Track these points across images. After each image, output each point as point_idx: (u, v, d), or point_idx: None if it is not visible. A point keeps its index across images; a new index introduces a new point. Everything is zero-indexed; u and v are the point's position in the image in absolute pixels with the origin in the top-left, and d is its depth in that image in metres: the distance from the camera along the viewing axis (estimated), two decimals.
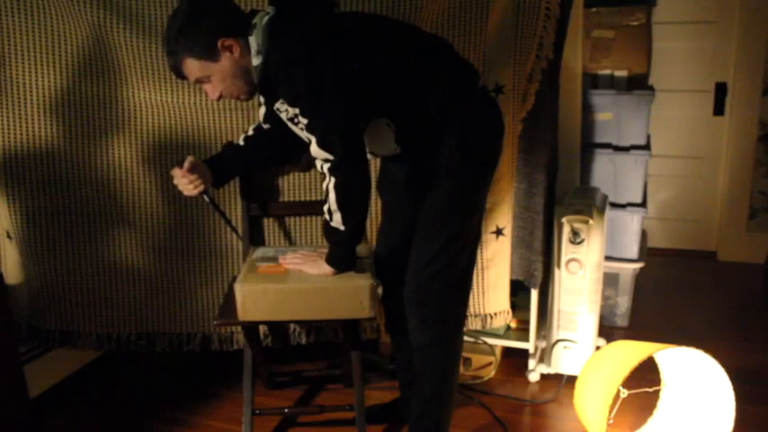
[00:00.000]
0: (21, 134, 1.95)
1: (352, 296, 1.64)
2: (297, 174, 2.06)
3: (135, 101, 1.97)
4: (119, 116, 1.99)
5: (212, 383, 2.36)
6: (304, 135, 1.55)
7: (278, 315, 1.69)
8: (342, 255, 1.66)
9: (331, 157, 1.51)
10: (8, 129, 1.94)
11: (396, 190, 1.83)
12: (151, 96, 1.96)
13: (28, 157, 1.97)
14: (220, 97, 1.61)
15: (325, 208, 1.59)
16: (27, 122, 1.95)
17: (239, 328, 2.11)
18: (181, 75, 1.58)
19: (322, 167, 1.55)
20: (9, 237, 2.05)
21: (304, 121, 1.50)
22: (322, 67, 1.46)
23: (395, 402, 2.12)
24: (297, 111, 1.51)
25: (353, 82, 1.51)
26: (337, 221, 1.58)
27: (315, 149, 1.52)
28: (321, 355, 2.49)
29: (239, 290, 1.64)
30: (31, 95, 1.93)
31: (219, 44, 1.52)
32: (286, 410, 2.00)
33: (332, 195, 1.54)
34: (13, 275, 2.10)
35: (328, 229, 1.61)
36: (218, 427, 2.12)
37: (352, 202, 1.56)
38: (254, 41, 1.53)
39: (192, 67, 1.55)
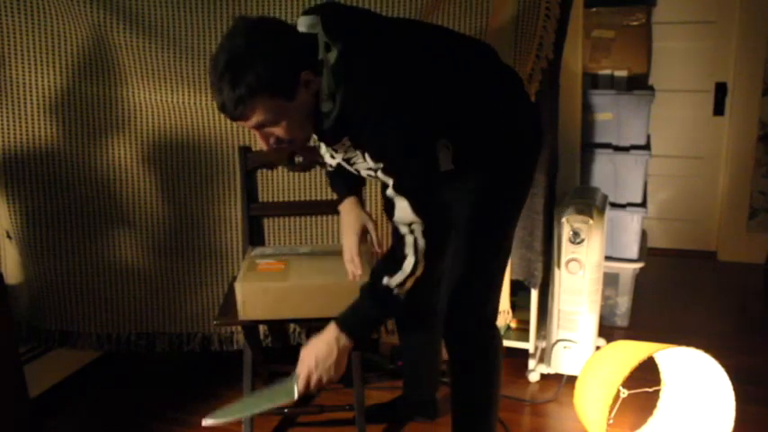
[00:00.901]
0: (21, 134, 1.95)
1: (354, 292, 1.63)
2: (297, 174, 2.06)
3: (135, 101, 1.97)
4: (119, 116, 1.99)
5: (212, 383, 2.35)
6: (372, 176, 1.43)
7: (279, 314, 1.68)
8: (367, 321, 1.42)
9: (420, 221, 1.33)
10: (8, 129, 1.94)
11: None
12: (151, 96, 1.96)
13: (28, 157, 1.97)
14: (270, 145, 1.35)
15: (400, 276, 1.35)
16: (27, 122, 1.95)
17: (239, 328, 2.11)
18: (236, 116, 1.28)
19: (412, 232, 1.35)
20: (9, 237, 2.05)
21: (389, 180, 1.34)
22: (415, 117, 1.30)
23: (394, 402, 2.12)
24: (381, 166, 1.34)
25: (432, 122, 1.36)
26: (404, 273, 1.35)
27: (405, 213, 1.34)
28: None
29: (239, 289, 1.64)
30: (31, 95, 1.93)
31: (302, 78, 1.27)
32: (286, 410, 2.00)
33: (420, 263, 1.34)
34: (13, 275, 2.10)
35: (382, 296, 1.37)
36: (219, 427, 2.11)
37: (437, 263, 1.41)
38: (324, 83, 1.30)
39: (263, 106, 1.26)
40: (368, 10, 1.51)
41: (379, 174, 1.37)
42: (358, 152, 1.42)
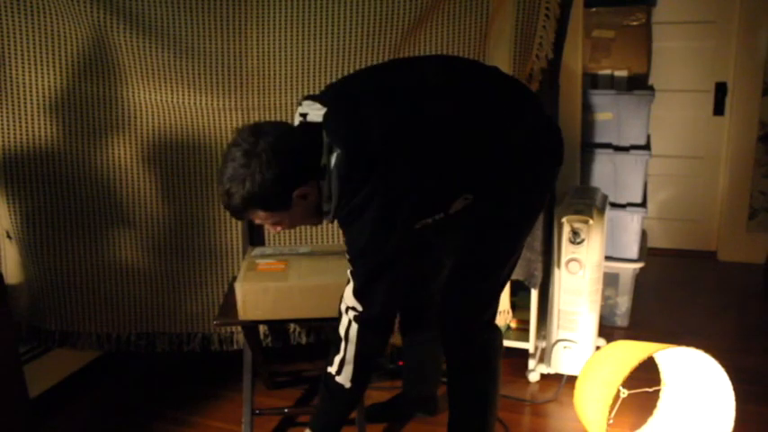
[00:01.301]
0: (21, 134, 1.95)
1: None
2: None
3: (135, 101, 1.97)
4: (119, 116, 1.99)
5: (212, 383, 2.35)
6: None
7: (278, 314, 1.68)
8: (330, 420, 1.54)
9: (359, 308, 1.41)
10: (8, 129, 1.94)
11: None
12: (151, 96, 1.96)
13: (28, 157, 1.97)
14: (280, 230, 1.48)
15: (337, 358, 1.45)
16: (27, 122, 1.95)
17: (239, 328, 2.11)
18: (240, 217, 1.43)
19: (347, 312, 1.43)
20: (9, 237, 2.05)
21: (349, 267, 1.42)
22: (389, 226, 1.34)
23: (394, 401, 2.12)
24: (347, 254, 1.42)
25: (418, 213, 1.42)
26: (345, 377, 1.45)
27: (348, 294, 1.42)
28: (321, 355, 2.48)
29: (239, 288, 1.64)
30: (31, 95, 1.94)
31: (295, 196, 1.36)
32: (286, 410, 2.00)
33: (351, 347, 1.43)
34: (13, 275, 2.10)
35: (330, 386, 1.48)
36: (218, 427, 2.12)
37: (371, 356, 1.46)
38: (325, 187, 1.37)
39: (259, 215, 1.39)
40: (369, 79, 1.49)
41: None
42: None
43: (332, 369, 1.47)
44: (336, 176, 1.34)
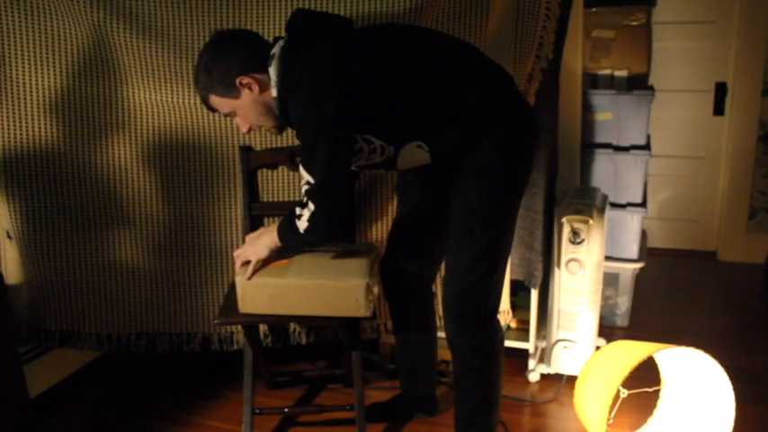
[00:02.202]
0: (21, 134, 1.95)
1: (348, 294, 1.64)
2: (297, 173, 2.06)
3: (135, 101, 1.97)
4: (119, 116, 1.99)
5: (212, 383, 2.36)
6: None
7: (275, 309, 1.70)
8: (291, 243, 1.65)
9: (312, 181, 1.51)
10: (8, 129, 1.94)
11: (415, 195, 1.82)
12: (151, 96, 1.96)
13: (28, 157, 1.97)
14: (250, 130, 1.65)
15: (297, 210, 1.57)
16: (27, 122, 1.95)
17: (239, 328, 2.11)
18: (210, 108, 1.64)
19: (302, 187, 1.55)
20: (9, 237, 2.05)
21: (298, 141, 1.53)
22: (326, 92, 1.47)
23: (394, 401, 2.12)
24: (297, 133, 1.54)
25: (369, 109, 1.51)
26: (301, 227, 1.56)
27: (302, 170, 1.53)
28: (321, 355, 2.49)
29: (239, 283, 1.67)
30: (31, 95, 1.93)
31: (237, 82, 1.55)
32: (286, 410, 2.00)
33: (306, 214, 1.54)
34: (13, 275, 2.10)
35: (290, 219, 1.59)
36: (218, 427, 2.12)
37: (317, 233, 1.56)
38: (273, 73, 1.55)
39: (217, 103, 1.60)
40: (344, 18, 1.67)
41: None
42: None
43: (297, 210, 1.57)
44: (278, 57, 1.53)
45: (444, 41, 1.63)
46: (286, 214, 1.62)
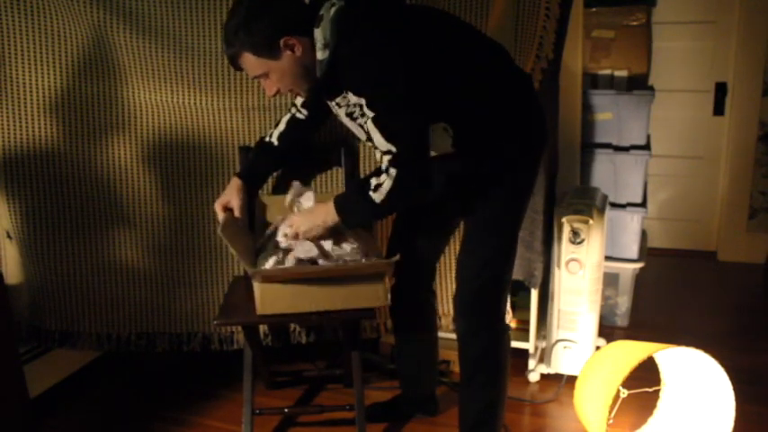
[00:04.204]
0: (21, 134, 1.95)
1: (371, 284, 1.64)
2: (297, 173, 2.06)
3: (135, 101, 1.97)
4: (119, 116, 1.99)
5: (212, 383, 2.36)
6: (365, 129, 1.51)
7: (298, 307, 1.66)
8: (357, 217, 1.60)
9: (394, 150, 1.44)
10: (8, 129, 1.94)
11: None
12: (151, 96, 1.96)
13: (28, 157, 1.97)
14: (276, 93, 1.57)
15: (374, 181, 1.48)
16: (27, 122, 1.95)
17: (239, 327, 2.11)
18: (237, 67, 1.54)
19: (382, 158, 1.48)
20: (9, 237, 2.05)
21: (370, 113, 1.45)
22: (395, 60, 1.42)
23: (394, 401, 2.12)
24: (363, 101, 1.46)
25: (422, 81, 1.47)
26: (378, 198, 1.48)
27: (380, 141, 1.46)
28: (321, 355, 2.48)
29: (258, 284, 1.62)
30: (31, 95, 1.93)
31: (282, 43, 1.46)
32: (286, 410, 2.00)
33: (387, 183, 1.46)
34: (13, 275, 2.10)
35: (360, 191, 1.51)
36: (218, 427, 2.12)
37: (404, 199, 1.51)
38: (319, 34, 1.46)
39: (251, 62, 1.50)
40: None
41: (364, 116, 1.47)
42: (346, 94, 1.54)
43: (370, 182, 1.49)
44: (332, 20, 1.44)
45: (479, 33, 1.65)
46: (348, 190, 1.60)
